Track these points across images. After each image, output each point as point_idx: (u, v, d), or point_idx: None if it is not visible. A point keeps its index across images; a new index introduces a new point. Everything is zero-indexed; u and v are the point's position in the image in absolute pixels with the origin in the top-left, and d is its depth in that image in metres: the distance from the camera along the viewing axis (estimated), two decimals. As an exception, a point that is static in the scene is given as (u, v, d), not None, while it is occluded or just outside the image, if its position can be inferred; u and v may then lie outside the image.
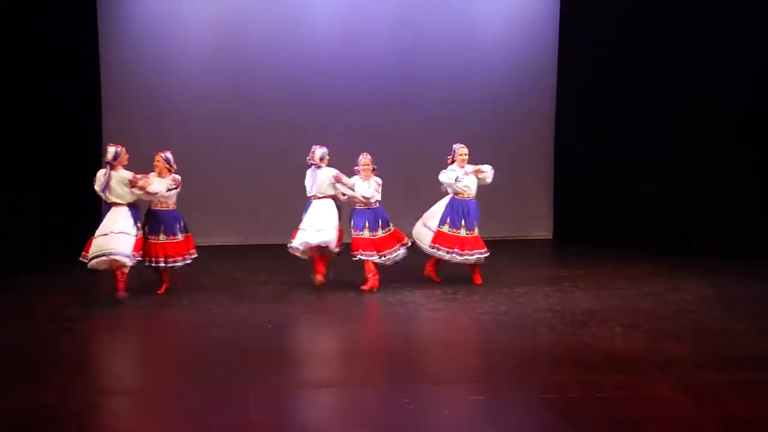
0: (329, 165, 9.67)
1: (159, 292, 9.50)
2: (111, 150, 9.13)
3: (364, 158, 9.70)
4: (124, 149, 9.17)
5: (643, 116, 12.06)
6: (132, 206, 9.21)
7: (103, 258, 8.98)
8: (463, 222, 9.79)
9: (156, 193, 9.24)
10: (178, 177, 9.44)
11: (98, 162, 11.98)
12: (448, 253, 9.79)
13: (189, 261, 9.55)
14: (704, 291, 9.76)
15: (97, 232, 9.09)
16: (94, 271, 10.75)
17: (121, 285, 9.06)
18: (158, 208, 9.38)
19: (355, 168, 9.71)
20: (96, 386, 6.75)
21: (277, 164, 12.19)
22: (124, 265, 9.03)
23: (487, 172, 9.92)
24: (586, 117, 12.54)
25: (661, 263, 11.08)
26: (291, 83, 12.44)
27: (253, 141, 12.40)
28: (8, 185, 10.69)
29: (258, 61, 12.41)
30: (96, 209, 11.91)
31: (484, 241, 9.93)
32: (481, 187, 9.97)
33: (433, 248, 9.85)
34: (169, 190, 9.33)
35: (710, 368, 7.13)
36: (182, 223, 9.51)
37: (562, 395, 6.49)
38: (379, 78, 12.59)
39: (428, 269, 10.10)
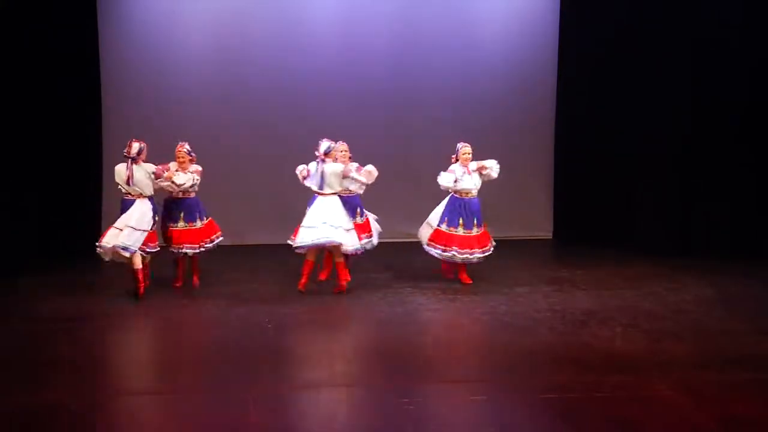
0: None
1: (176, 285, 9.69)
2: (136, 145, 9.30)
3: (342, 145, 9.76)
4: (146, 145, 9.38)
5: (643, 116, 12.06)
6: (150, 199, 9.38)
7: (112, 248, 9.14)
8: (461, 221, 9.80)
9: (182, 185, 9.51)
10: (199, 168, 9.74)
11: (98, 162, 12.04)
12: (443, 251, 9.79)
13: (208, 246, 9.79)
14: (704, 291, 9.76)
15: (117, 223, 9.25)
16: (95, 272, 10.82)
17: (140, 282, 9.21)
18: (180, 197, 9.66)
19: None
20: (96, 386, 6.74)
21: (277, 164, 12.16)
22: (129, 258, 9.14)
23: (492, 167, 9.88)
24: (586, 117, 12.53)
25: (661, 263, 11.08)
26: (291, 83, 12.43)
27: (253, 141, 12.40)
28: (8, 185, 10.69)
29: (258, 62, 12.41)
30: (96, 209, 11.97)
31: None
32: (482, 186, 9.95)
33: (428, 246, 9.87)
34: (193, 185, 9.64)
35: (710, 368, 7.13)
36: (201, 210, 9.79)
37: (562, 395, 6.49)
38: (378, 78, 12.58)
39: (443, 268, 10.11)
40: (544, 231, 13.11)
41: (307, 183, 9.53)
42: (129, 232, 9.11)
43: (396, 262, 10.83)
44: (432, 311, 8.92)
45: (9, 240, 10.53)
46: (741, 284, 10.11)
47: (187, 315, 8.92)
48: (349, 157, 9.79)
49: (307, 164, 9.58)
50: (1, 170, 10.66)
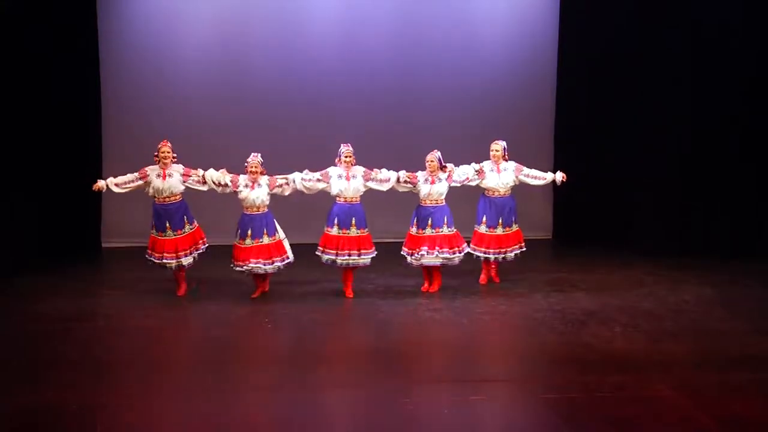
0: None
1: (179, 293, 9.49)
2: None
3: (347, 148, 9.48)
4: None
5: (643, 116, 12.06)
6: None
7: None
8: (484, 219, 9.97)
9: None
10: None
11: (98, 162, 12.03)
12: (484, 253, 9.89)
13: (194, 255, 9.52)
14: (704, 291, 9.76)
15: None
16: (95, 272, 10.86)
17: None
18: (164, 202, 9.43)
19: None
20: (96, 386, 6.75)
21: (278, 164, 12.13)
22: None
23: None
24: (586, 117, 12.54)
25: (661, 263, 11.08)
26: (291, 83, 12.43)
27: (254, 140, 12.33)
28: (8, 185, 10.69)
29: (258, 61, 12.41)
30: (96, 209, 11.97)
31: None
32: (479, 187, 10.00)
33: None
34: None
35: (710, 368, 7.14)
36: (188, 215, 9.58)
37: (562, 395, 6.49)
38: (379, 78, 12.58)
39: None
40: (544, 231, 13.11)
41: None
42: None
43: (396, 263, 10.82)
44: (432, 311, 8.92)
45: (9, 240, 10.53)
46: (741, 284, 10.11)
47: (187, 315, 8.92)
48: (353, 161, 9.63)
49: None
50: (1, 170, 10.65)
